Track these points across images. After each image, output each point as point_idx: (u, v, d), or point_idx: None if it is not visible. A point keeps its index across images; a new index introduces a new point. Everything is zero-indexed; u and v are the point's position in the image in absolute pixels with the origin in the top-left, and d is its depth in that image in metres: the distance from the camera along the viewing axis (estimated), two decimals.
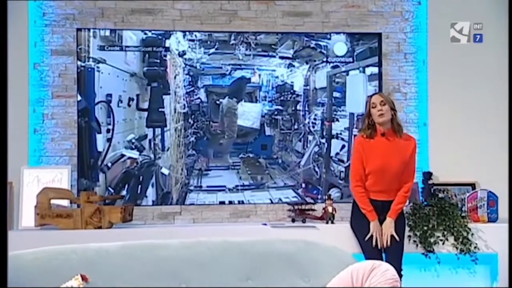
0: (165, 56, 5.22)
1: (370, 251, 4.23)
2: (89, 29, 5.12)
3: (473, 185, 5.26)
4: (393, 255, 4.20)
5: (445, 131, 5.31)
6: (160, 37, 5.22)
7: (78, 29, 5.11)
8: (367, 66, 5.39)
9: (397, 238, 4.23)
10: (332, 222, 4.84)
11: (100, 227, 4.66)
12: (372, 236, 4.27)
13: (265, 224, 4.87)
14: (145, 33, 5.20)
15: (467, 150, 5.29)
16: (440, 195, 5.09)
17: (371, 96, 4.45)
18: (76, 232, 4.61)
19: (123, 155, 5.16)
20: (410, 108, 5.38)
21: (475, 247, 4.63)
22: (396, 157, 4.27)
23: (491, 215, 4.95)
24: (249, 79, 5.30)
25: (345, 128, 5.36)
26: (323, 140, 5.36)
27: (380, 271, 2.99)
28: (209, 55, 5.26)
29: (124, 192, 5.14)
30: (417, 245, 4.64)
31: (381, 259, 4.11)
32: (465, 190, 5.20)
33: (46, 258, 2.15)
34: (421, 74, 5.37)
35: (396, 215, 4.28)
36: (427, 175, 5.22)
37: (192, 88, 5.26)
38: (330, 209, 4.83)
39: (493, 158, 5.24)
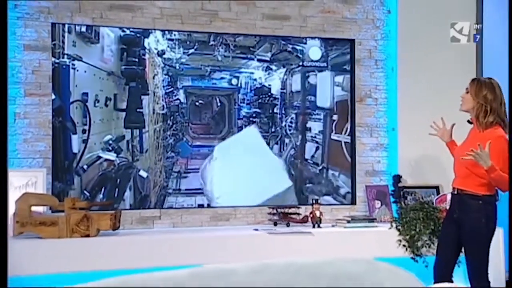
0: (144, 55, 5.05)
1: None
2: (64, 24, 4.85)
3: (437, 188, 5.53)
4: (471, 262, 4.06)
5: (413, 136, 5.48)
6: (138, 35, 5.04)
7: (53, 24, 4.82)
8: (340, 71, 5.49)
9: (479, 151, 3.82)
10: (319, 226, 4.92)
11: (87, 235, 4.44)
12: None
13: (257, 230, 4.84)
14: (123, 31, 5.00)
15: (432, 154, 5.51)
16: (409, 197, 5.31)
17: None
18: (61, 241, 4.38)
19: (99, 157, 4.94)
20: (380, 113, 5.55)
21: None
22: (467, 146, 4.03)
23: None
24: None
25: (319, 131, 5.45)
26: (299, 143, 5.41)
27: None
28: (188, 55, 5.15)
29: (100, 196, 4.93)
30: (406, 249, 4.77)
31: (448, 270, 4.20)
32: (430, 193, 5.46)
33: None
34: (391, 81, 5.55)
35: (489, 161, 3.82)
36: (397, 178, 5.43)
37: (172, 89, 5.12)
38: (317, 213, 4.91)
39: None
